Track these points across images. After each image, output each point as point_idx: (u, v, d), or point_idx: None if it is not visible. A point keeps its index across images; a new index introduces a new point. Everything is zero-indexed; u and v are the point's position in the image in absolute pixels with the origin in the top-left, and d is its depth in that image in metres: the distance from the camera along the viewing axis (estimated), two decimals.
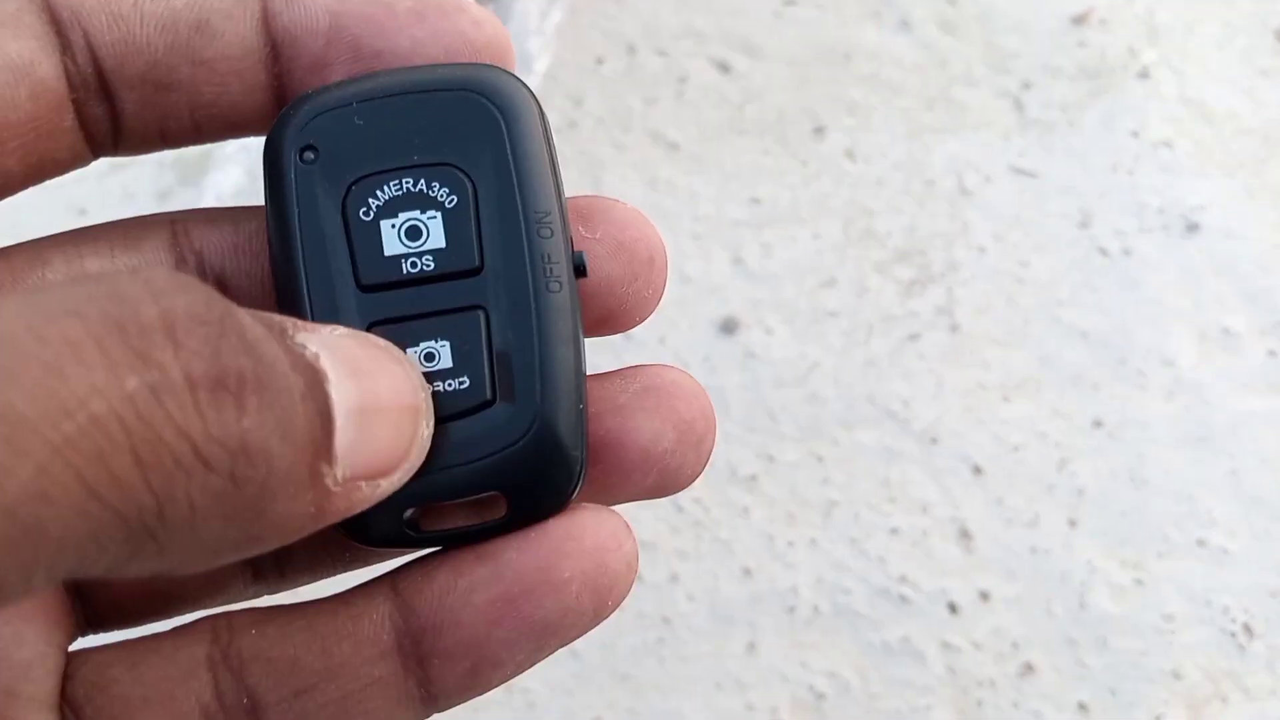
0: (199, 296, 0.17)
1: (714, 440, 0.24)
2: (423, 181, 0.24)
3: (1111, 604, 0.83)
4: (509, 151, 0.24)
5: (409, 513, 0.24)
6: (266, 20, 0.24)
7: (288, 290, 0.24)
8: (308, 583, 0.26)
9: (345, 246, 0.24)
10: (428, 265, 0.24)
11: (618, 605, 0.23)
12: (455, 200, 0.24)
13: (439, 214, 0.24)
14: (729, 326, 0.91)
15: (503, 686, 0.24)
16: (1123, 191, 0.99)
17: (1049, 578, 0.84)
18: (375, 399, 0.20)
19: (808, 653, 0.81)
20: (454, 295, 0.24)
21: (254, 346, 0.17)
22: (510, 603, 0.23)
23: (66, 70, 0.23)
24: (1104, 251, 0.96)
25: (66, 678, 0.23)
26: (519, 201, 0.24)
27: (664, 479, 0.24)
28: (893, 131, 1.01)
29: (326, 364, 0.19)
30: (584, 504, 0.24)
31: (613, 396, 0.24)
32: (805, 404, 0.89)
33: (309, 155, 0.24)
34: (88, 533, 0.15)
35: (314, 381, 0.18)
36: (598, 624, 0.23)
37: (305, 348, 0.19)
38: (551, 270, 0.24)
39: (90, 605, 0.24)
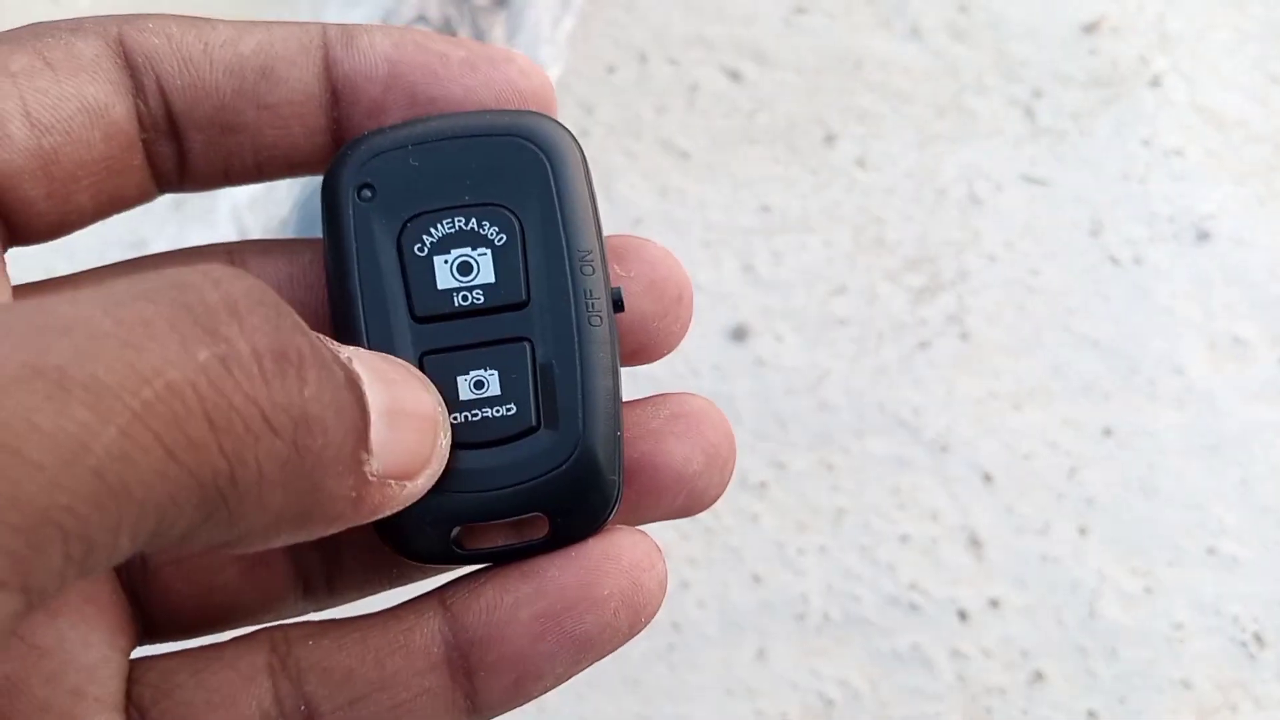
0: (255, 284, 0.18)
1: (735, 463, 0.26)
2: (474, 220, 0.26)
3: (1121, 613, 0.83)
4: (554, 194, 0.26)
5: (455, 531, 0.25)
6: (328, 67, 0.25)
7: (345, 319, 0.26)
8: (356, 599, 0.27)
9: (400, 280, 0.26)
10: (478, 299, 0.26)
11: (650, 621, 0.25)
12: (504, 238, 0.26)
13: (489, 251, 0.26)
14: (739, 334, 0.91)
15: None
16: (1134, 200, 0.99)
17: (1059, 586, 0.84)
18: (401, 405, 0.21)
19: (818, 660, 0.81)
20: (502, 327, 0.25)
21: (306, 331, 0.19)
22: (553, 618, 0.24)
23: (138, 112, 0.24)
24: (1115, 260, 0.96)
25: (132, 682, 0.24)
26: (563, 240, 0.26)
27: (692, 499, 0.26)
28: (903, 140, 1.01)
29: (359, 369, 0.20)
30: (619, 526, 0.25)
31: (644, 422, 0.26)
32: (815, 412, 0.89)
33: (366, 193, 0.26)
34: (167, 494, 0.16)
35: (354, 377, 0.20)
36: (632, 638, 0.25)
37: (341, 353, 0.20)
38: (593, 305, 0.25)
39: (148, 616, 0.25)
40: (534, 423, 0.25)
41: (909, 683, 0.80)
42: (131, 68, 0.24)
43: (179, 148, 0.25)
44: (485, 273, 0.26)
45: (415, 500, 0.23)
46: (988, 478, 0.87)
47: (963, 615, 0.82)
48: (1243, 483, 0.88)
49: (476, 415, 0.25)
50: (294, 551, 0.26)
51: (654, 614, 0.25)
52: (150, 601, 0.26)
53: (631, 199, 0.97)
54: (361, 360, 0.21)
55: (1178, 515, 0.87)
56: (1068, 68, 1.06)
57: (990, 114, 1.03)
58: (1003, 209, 0.98)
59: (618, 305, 0.26)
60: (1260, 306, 0.95)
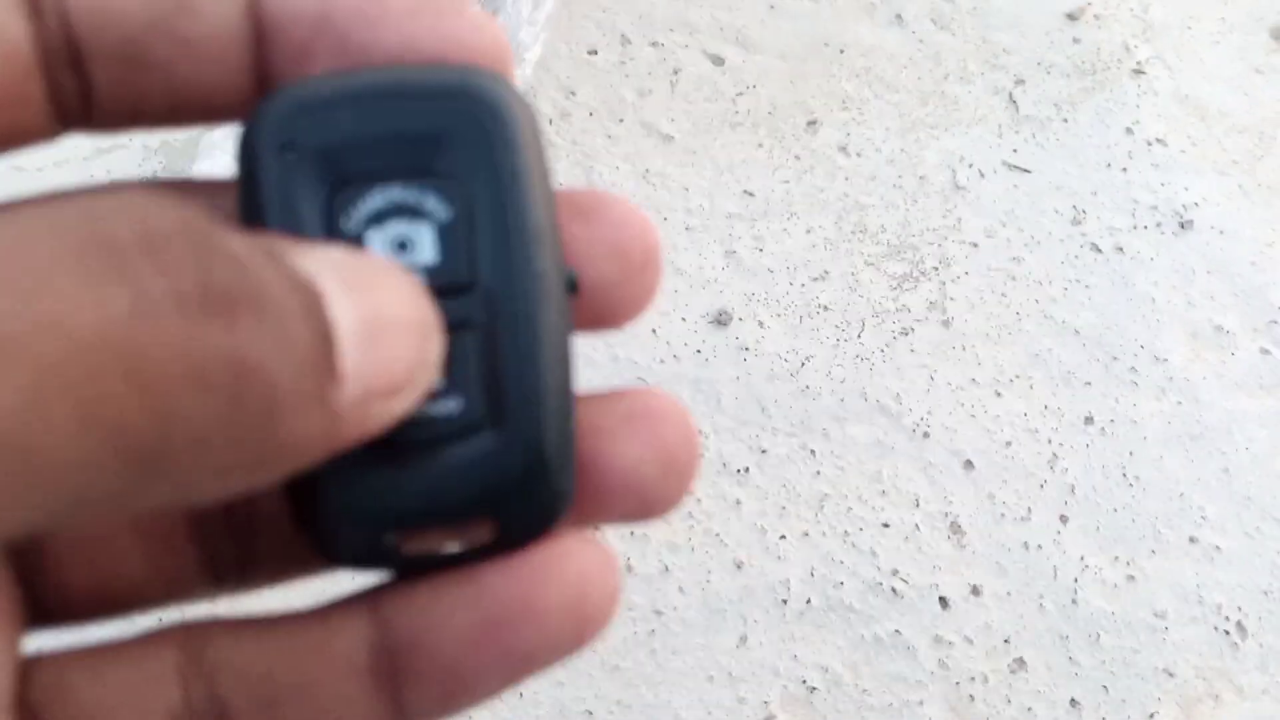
0: (180, 215, 0.16)
1: (697, 469, 0.24)
2: (414, 191, 0.23)
3: (1103, 601, 0.83)
4: (503, 164, 0.23)
5: (389, 534, 0.23)
6: (253, 4, 0.23)
7: None
8: (270, 587, 0.25)
9: None
10: (419, 281, 0.23)
11: (597, 635, 0.23)
12: (447, 212, 0.23)
13: (431, 226, 0.23)
14: (722, 319, 0.91)
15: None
16: (1116, 188, 0.99)
17: (1040, 574, 0.83)
18: (378, 314, 0.19)
19: (799, 646, 0.80)
20: (446, 313, 0.23)
21: (243, 265, 0.17)
22: (489, 629, 0.22)
23: (38, 37, 0.22)
24: (1096, 248, 0.96)
25: (24, 681, 0.22)
26: (513, 217, 0.23)
27: (644, 505, 0.24)
28: (886, 126, 1.01)
29: (324, 282, 0.18)
30: (569, 532, 0.24)
31: (596, 419, 0.24)
32: (797, 397, 0.89)
33: (290, 153, 0.23)
34: (82, 460, 0.15)
35: (311, 301, 0.18)
36: (575, 653, 0.23)
37: (300, 267, 0.18)
38: (545, 289, 0.23)
39: (39, 600, 0.24)
40: (480, 419, 0.23)
41: (891, 669, 0.80)
42: None
43: (82, 80, 0.22)
44: (426, 251, 0.23)
45: (398, 420, 0.21)
46: (969, 464, 0.87)
47: (944, 602, 0.82)
48: (1224, 472, 0.88)
49: (417, 411, 0.23)
50: (202, 533, 0.24)
51: (603, 626, 0.23)
52: (42, 584, 0.23)
53: (613, 182, 0.96)
54: (328, 269, 0.18)
55: (1159, 504, 0.87)
56: (1051, 56, 1.06)
57: (973, 101, 1.03)
58: (985, 196, 0.98)
59: (572, 288, 0.23)
60: (1242, 296, 0.95)
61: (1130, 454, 0.88)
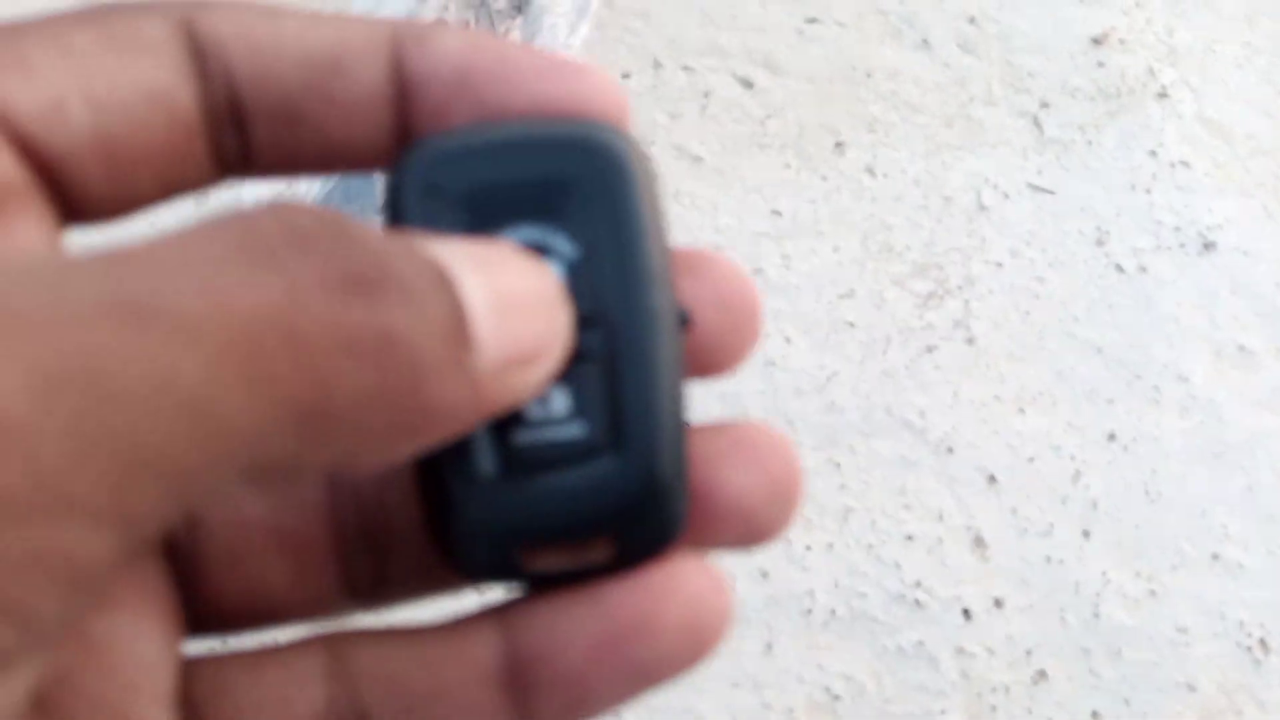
0: (317, 213, 0.18)
1: (800, 499, 0.25)
2: (545, 231, 0.25)
3: (1125, 615, 0.84)
4: (624, 209, 0.25)
5: (515, 550, 0.24)
6: (398, 65, 0.24)
7: None
8: (404, 604, 0.27)
9: None
10: None
11: (711, 652, 0.24)
12: (573, 252, 0.25)
13: (559, 263, 0.24)
14: None
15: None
16: (1139, 210, 1.00)
17: (1063, 587, 0.84)
18: (508, 289, 0.21)
19: (823, 655, 0.81)
20: (573, 345, 0.24)
21: (379, 253, 0.18)
22: (611, 644, 0.23)
23: (204, 99, 0.23)
24: (1120, 268, 0.97)
25: (187, 679, 0.24)
26: (632, 257, 0.25)
27: (750, 532, 0.25)
28: (912, 148, 1.03)
29: (455, 265, 0.20)
30: (685, 554, 0.24)
31: (705, 448, 0.25)
32: (823, 413, 0.90)
33: (431, 198, 0.25)
34: (257, 425, 0.17)
35: (443, 280, 0.19)
36: (690, 669, 0.24)
37: (431, 253, 0.20)
38: (661, 324, 0.24)
39: (195, 612, 0.25)
40: (602, 444, 0.24)
41: (913, 679, 0.81)
42: (200, 52, 0.23)
43: (243, 137, 0.24)
44: None
45: (541, 388, 0.23)
46: (992, 479, 0.88)
47: (967, 614, 0.83)
48: (1247, 490, 0.88)
49: (543, 434, 0.24)
50: (343, 552, 0.26)
51: (716, 644, 0.24)
52: (197, 596, 0.25)
53: None
54: (454, 252, 0.20)
55: (1181, 520, 0.87)
56: (1075, 80, 1.07)
57: (998, 124, 1.04)
58: (1009, 217, 1.00)
59: (685, 323, 0.25)
60: (1266, 317, 0.96)
61: (1153, 471, 0.89)
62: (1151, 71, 1.08)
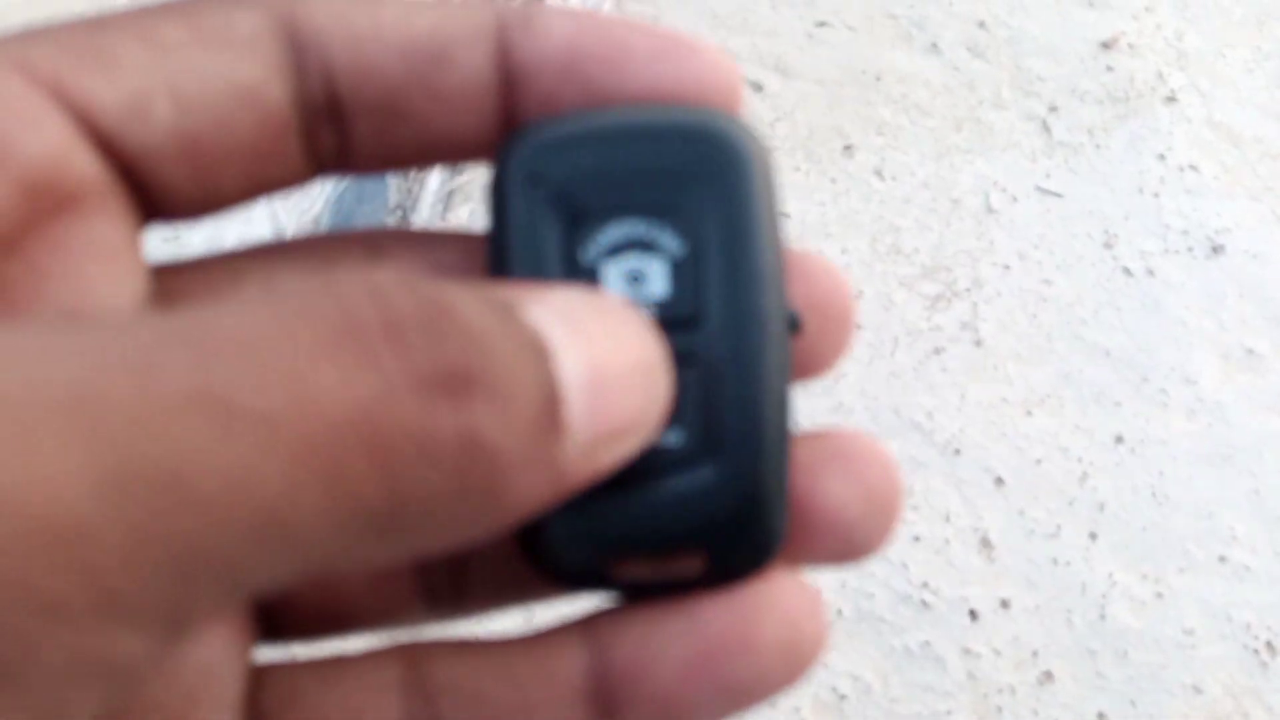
0: (421, 294, 0.17)
1: (900, 513, 0.24)
2: (651, 226, 0.23)
3: (1131, 617, 0.84)
4: (737, 204, 0.23)
5: (608, 558, 0.23)
6: (503, 51, 0.23)
7: None
8: (483, 613, 0.26)
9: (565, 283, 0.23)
10: (650, 313, 0.23)
11: (807, 672, 0.23)
12: (680, 248, 0.23)
13: (664, 260, 0.23)
14: None
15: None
16: (1148, 213, 1.00)
17: (1069, 589, 0.84)
18: (608, 362, 0.19)
19: (830, 654, 0.82)
20: (674, 346, 0.23)
21: (477, 339, 0.17)
22: (706, 662, 0.22)
23: (299, 95, 0.22)
24: (1128, 272, 0.97)
25: (257, 687, 0.23)
26: (743, 255, 0.23)
27: (849, 546, 0.24)
28: (921, 151, 1.03)
29: (552, 332, 0.18)
30: (781, 570, 0.23)
31: (803, 456, 0.23)
32: (831, 414, 0.91)
33: (536, 185, 0.23)
34: (329, 530, 0.16)
35: (539, 360, 0.18)
36: (786, 689, 0.23)
37: (531, 321, 0.18)
38: (769, 327, 0.23)
39: (270, 617, 0.24)
40: (700, 452, 0.23)
41: (920, 679, 0.81)
42: (297, 46, 0.22)
43: (341, 133, 0.23)
44: (658, 285, 0.23)
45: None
46: (999, 481, 0.88)
47: (973, 615, 0.83)
48: (1255, 493, 0.88)
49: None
50: (419, 559, 0.24)
51: (812, 665, 0.23)
52: (272, 603, 0.24)
53: None
54: (555, 314, 0.19)
55: (1188, 523, 0.87)
56: (1084, 83, 1.07)
57: (1007, 127, 1.05)
58: (1017, 220, 1.00)
59: (794, 327, 0.23)
60: (1274, 320, 0.96)
61: (1160, 473, 0.89)
62: (1160, 76, 1.08)
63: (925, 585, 0.84)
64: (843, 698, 0.80)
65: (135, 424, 0.15)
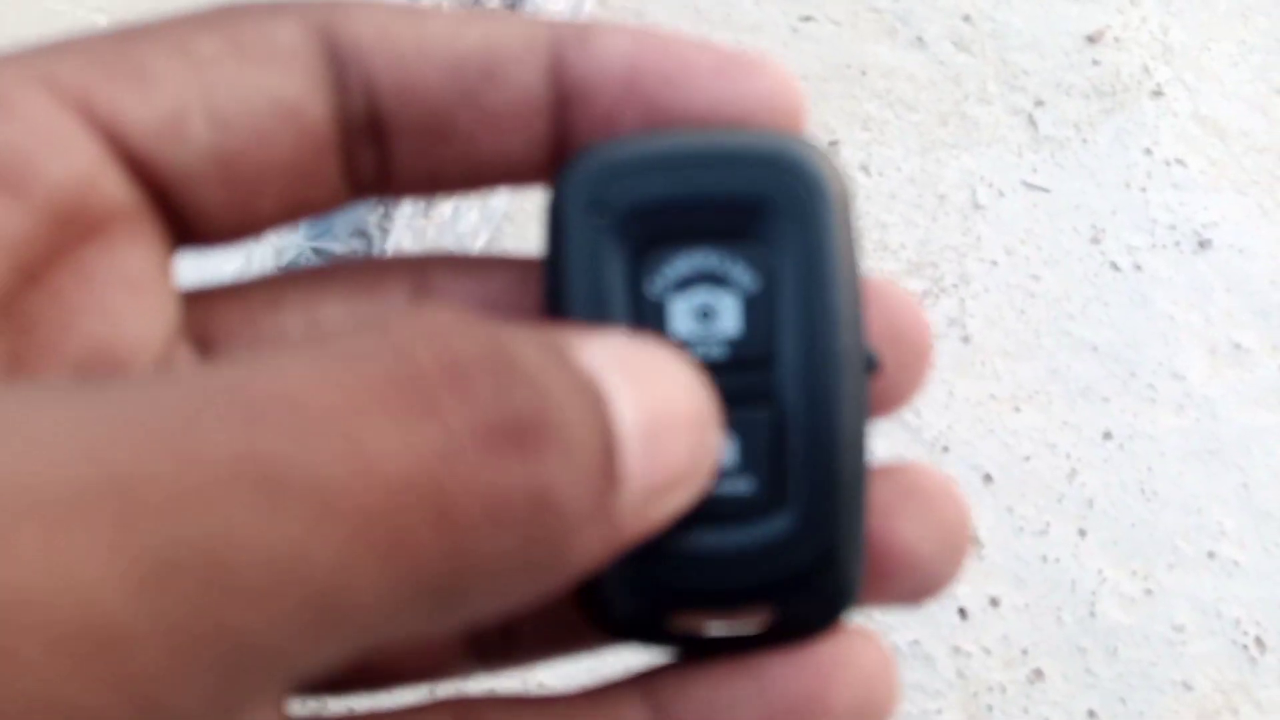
0: (479, 336, 0.16)
1: (969, 549, 0.23)
2: (722, 259, 0.22)
3: (1121, 613, 0.84)
4: (815, 238, 0.22)
5: (669, 611, 0.22)
6: (558, 68, 0.21)
7: None
8: (532, 665, 0.25)
9: (629, 319, 0.22)
10: (720, 352, 0.22)
11: None
12: (754, 283, 0.22)
13: (736, 296, 0.22)
14: None
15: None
16: (1135, 208, 1.00)
17: (1059, 586, 0.84)
18: (661, 411, 0.18)
19: None
20: (744, 386, 0.21)
21: (537, 381, 0.16)
22: None
23: (339, 113, 0.21)
24: (1115, 266, 0.97)
25: None
26: (822, 291, 0.21)
27: (921, 586, 0.22)
28: (906, 146, 1.03)
29: (607, 379, 0.17)
30: (852, 627, 0.22)
31: (876, 494, 0.22)
32: None
33: (598, 213, 0.22)
34: (385, 605, 0.15)
35: (596, 403, 0.17)
36: None
37: (585, 365, 0.17)
38: (845, 368, 0.21)
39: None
40: (772, 500, 0.21)
41: (909, 678, 0.81)
42: (338, 61, 0.20)
43: (383, 153, 0.21)
44: (730, 322, 0.22)
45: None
46: (988, 478, 0.88)
47: (963, 613, 0.83)
48: (1243, 487, 0.88)
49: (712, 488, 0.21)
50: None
51: None
52: None
53: None
54: (609, 360, 0.18)
55: (1177, 518, 0.87)
56: (1070, 77, 1.07)
57: (993, 122, 1.04)
58: (1004, 215, 1.00)
59: (871, 368, 0.22)
60: (1260, 314, 0.96)
61: (1149, 469, 0.89)
62: (1146, 69, 1.08)
63: None
64: None
65: (174, 506, 0.13)
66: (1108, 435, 0.90)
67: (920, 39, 1.08)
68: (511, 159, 0.22)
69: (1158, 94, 1.07)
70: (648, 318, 0.22)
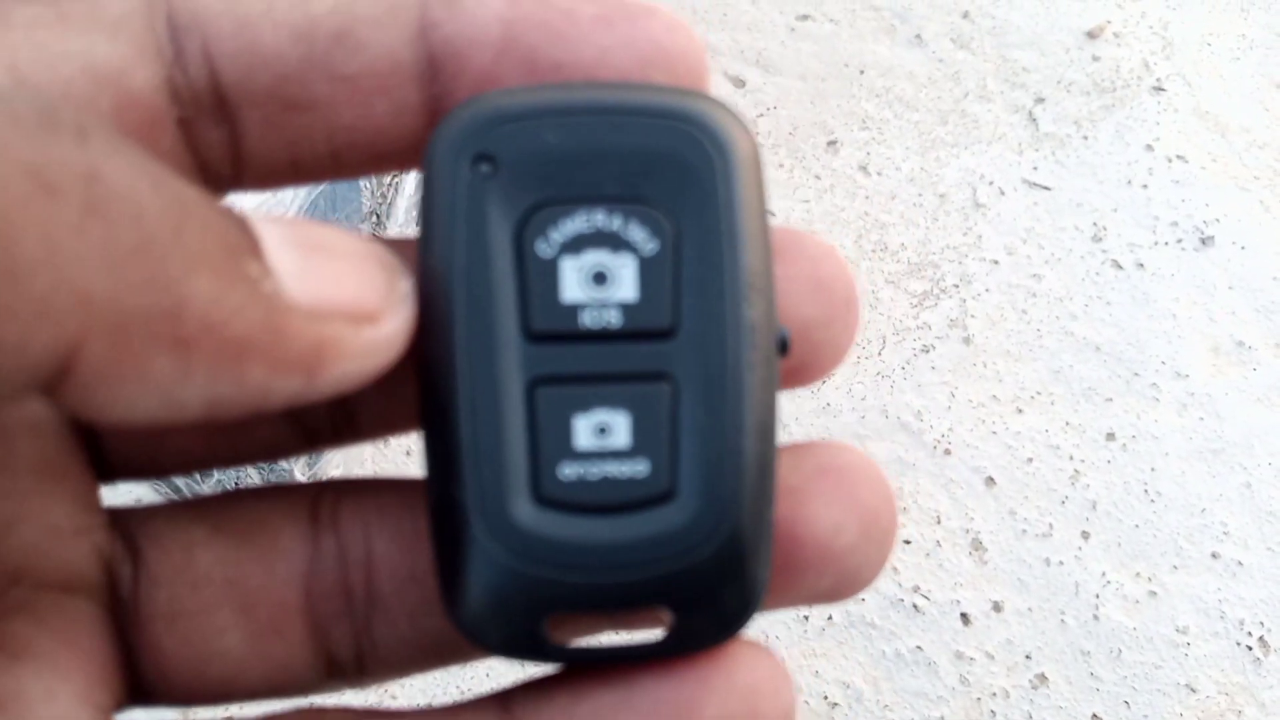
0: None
1: (895, 536, 0.20)
2: (619, 219, 0.20)
3: (1124, 616, 0.83)
4: (722, 198, 0.20)
5: (544, 618, 0.20)
6: (425, 30, 0.20)
7: (433, 325, 0.20)
8: (391, 679, 0.23)
9: (514, 282, 0.20)
10: (613, 319, 0.20)
11: None
12: (654, 247, 0.20)
13: (634, 260, 0.20)
14: None
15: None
16: (1136, 205, 1.00)
17: (1062, 589, 0.84)
18: (315, 239, 0.17)
19: (821, 662, 0.81)
20: (640, 359, 0.20)
21: (115, 136, 0.16)
22: None
23: (172, 83, 0.20)
24: (1117, 265, 0.97)
25: None
26: (728, 258, 0.20)
27: (841, 579, 0.20)
28: (906, 145, 1.02)
29: (248, 218, 0.17)
30: (747, 641, 0.20)
31: (783, 476, 0.20)
32: (818, 415, 0.90)
33: (484, 166, 0.20)
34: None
35: (222, 204, 0.16)
36: None
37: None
38: (755, 343, 0.20)
39: (139, 676, 0.21)
40: (669, 489, 0.19)
41: (912, 685, 0.80)
42: (173, 29, 0.19)
43: (231, 130, 0.20)
44: (626, 287, 0.20)
45: (390, 356, 0.19)
46: (990, 481, 0.87)
47: (965, 618, 0.82)
48: (1246, 487, 0.88)
49: (594, 470, 0.20)
50: (314, 621, 0.21)
51: None
52: (140, 660, 0.21)
53: None
54: (257, 218, 0.17)
55: (1181, 519, 0.87)
56: (1070, 74, 1.06)
57: (993, 120, 1.04)
58: (1005, 214, 0.99)
59: (783, 348, 0.20)
60: (1263, 311, 0.95)
61: (1152, 469, 0.88)
62: (1146, 65, 1.07)
63: (916, 589, 0.83)
64: (834, 705, 0.80)
65: None
66: (1111, 436, 0.89)
67: (919, 36, 1.08)
68: (380, 133, 0.21)
69: (1158, 90, 1.06)
70: (536, 280, 0.20)
